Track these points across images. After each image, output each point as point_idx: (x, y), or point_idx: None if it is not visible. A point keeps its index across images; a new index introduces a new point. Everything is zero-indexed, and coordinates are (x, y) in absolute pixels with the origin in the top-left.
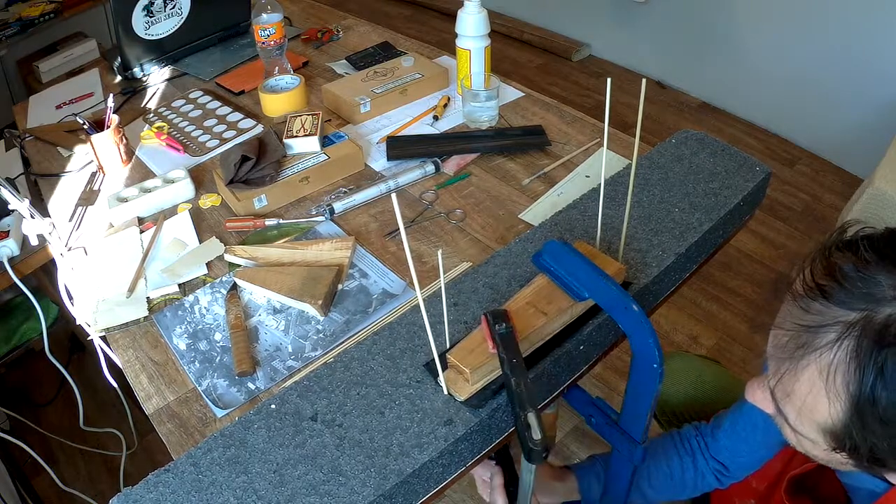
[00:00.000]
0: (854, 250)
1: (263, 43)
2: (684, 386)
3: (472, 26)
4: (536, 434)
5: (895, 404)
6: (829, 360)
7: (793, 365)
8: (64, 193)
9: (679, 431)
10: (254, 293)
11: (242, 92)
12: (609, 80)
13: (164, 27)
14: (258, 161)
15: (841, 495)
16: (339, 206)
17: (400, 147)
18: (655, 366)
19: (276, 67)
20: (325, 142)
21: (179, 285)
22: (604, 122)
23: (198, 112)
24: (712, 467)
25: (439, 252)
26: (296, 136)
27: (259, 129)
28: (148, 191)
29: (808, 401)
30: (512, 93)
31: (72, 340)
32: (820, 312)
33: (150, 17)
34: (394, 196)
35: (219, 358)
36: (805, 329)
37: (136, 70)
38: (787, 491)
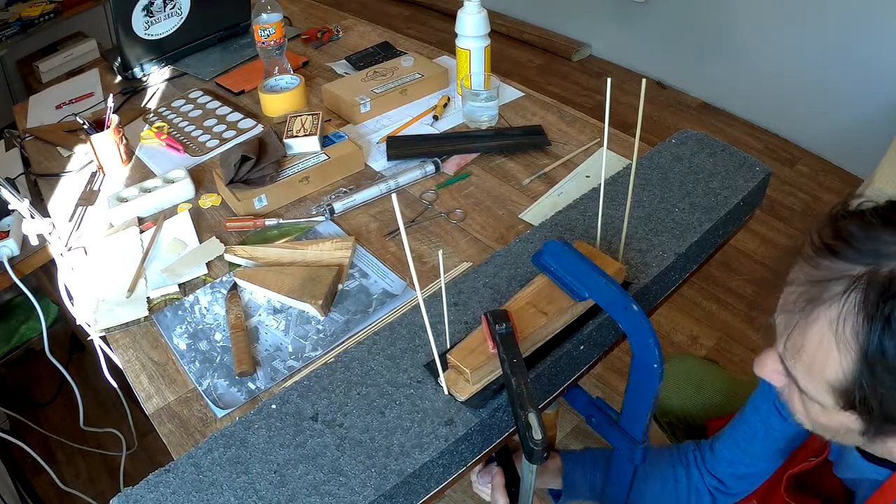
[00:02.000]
0: (860, 216)
1: (263, 43)
2: (684, 388)
3: (472, 26)
4: (537, 434)
5: None
6: (838, 312)
7: (803, 319)
8: (64, 193)
9: (678, 444)
10: (254, 293)
11: (242, 92)
12: (609, 80)
13: (164, 27)
14: (258, 161)
15: (841, 492)
16: (339, 206)
17: (400, 147)
18: (655, 366)
19: (276, 67)
20: (325, 142)
21: (179, 285)
22: (604, 122)
23: (198, 112)
24: (708, 483)
25: (440, 252)
26: (296, 136)
27: (259, 129)
28: (148, 191)
29: (818, 355)
30: (512, 93)
31: (72, 340)
32: (828, 268)
33: (150, 17)
34: (394, 196)
35: (219, 358)
36: (814, 283)
37: (136, 70)
38: (787, 489)
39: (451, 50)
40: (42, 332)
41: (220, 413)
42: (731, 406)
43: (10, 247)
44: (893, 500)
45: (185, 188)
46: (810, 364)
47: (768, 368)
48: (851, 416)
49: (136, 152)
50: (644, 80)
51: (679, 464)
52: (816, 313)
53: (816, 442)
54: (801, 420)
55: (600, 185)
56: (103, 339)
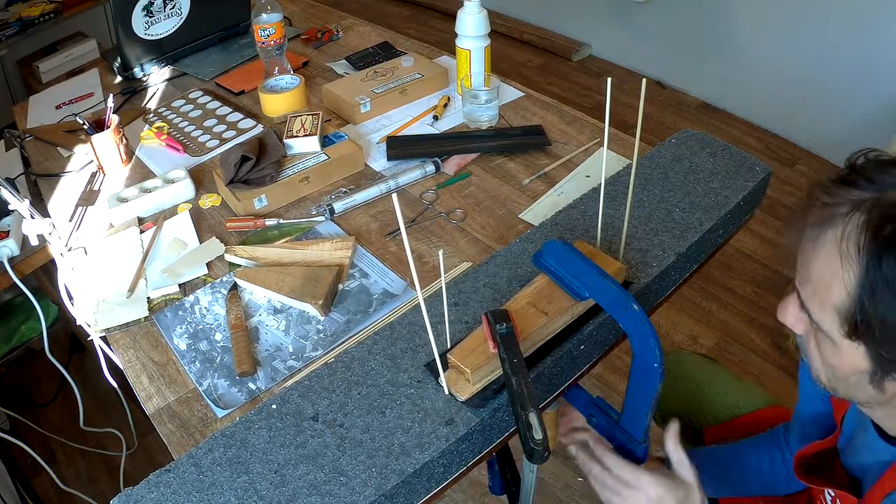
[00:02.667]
0: (876, 158)
1: (263, 43)
2: (681, 384)
3: (472, 26)
4: (538, 434)
5: None
6: (843, 229)
7: (813, 242)
8: (64, 193)
9: (772, 429)
10: (254, 293)
11: (242, 92)
12: (609, 79)
13: (164, 27)
14: (258, 161)
15: (845, 482)
16: (339, 206)
17: (400, 147)
18: (656, 365)
19: (276, 67)
20: (325, 142)
21: (180, 285)
22: (604, 122)
23: (198, 112)
24: (790, 462)
25: (440, 252)
26: (296, 136)
27: (259, 129)
28: (148, 191)
29: (824, 276)
30: (512, 93)
31: (72, 340)
32: (840, 195)
33: (150, 17)
34: (394, 196)
35: (219, 358)
36: (825, 206)
37: (136, 70)
38: (798, 469)
39: (451, 50)
40: (42, 332)
41: (220, 413)
42: (728, 400)
43: (10, 247)
44: None
45: (185, 188)
46: (817, 288)
47: (789, 312)
48: (858, 348)
49: (136, 152)
50: (644, 80)
51: (773, 445)
52: (825, 235)
53: (830, 419)
54: (818, 373)
55: (600, 184)
56: (103, 339)
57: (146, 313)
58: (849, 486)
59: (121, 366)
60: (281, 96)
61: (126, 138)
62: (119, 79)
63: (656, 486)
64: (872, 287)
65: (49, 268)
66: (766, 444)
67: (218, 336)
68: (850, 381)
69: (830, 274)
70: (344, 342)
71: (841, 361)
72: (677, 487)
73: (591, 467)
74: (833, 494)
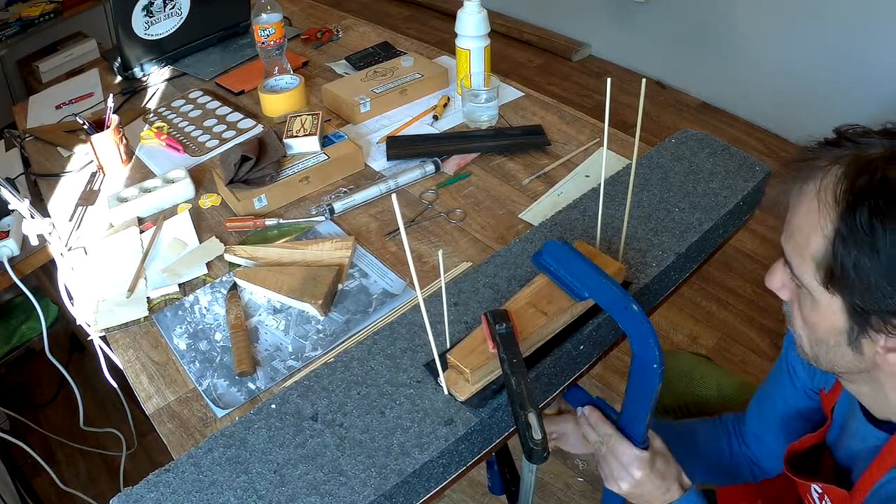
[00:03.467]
0: (862, 127)
1: (263, 43)
2: (675, 383)
3: (471, 26)
4: (537, 434)
5: (878, 213)
6: (822, 179)
7: (797, 196)
8: (64, 193)
9: (719, 416)
10: (254, 293)
11: (242, 92)
12: (609, 79)
13: (164, 27)
14: (258, 161)
15: (834, 477)
16: (339, 206)
17: (400, 147)
18: (655, 366)
19: (276, 67)
20: (325, 142)
21: (179, 285)
22: (604, 122)
23: (198, 112)
24: (745, 454)
25: (440, 252)
26: (296, 136)
27: (259, 129)
28: (148, 191)
29: (805, 226)
30: (512, 93)
31: (72, 340)
32: (822, 153)
33: (150, 17)
34: (394, 196)
35: (219, 358)
36: (809, 161)
37: (136, 70)
38: (788, 463)
39: (451, 50)
40: (42, 332)
41: (220, 413)
42: (722, 399)
43: (10, 247)
44: (894, 463)
45: (185, 188)
46: (798, 240)
47: (776, 277)
48: (835, 300)
49: (136, 152)
50: (644, 80)
51: (723, 434)
52: (807, 187)
53: (818, 414)
54: (800, 339)
55: (600, 184)
56: (103, 339)
57: (146, 313)
58: (837, 479)
59: (121, 366)
60: (281, 96)
61: (126, 138)
62: (119, 79)
63: (640, 467)
64: (846, 233)
65: (49, 268)
66: (713, 430)
67: (218, 336)
68: (830, 344)
69: (810, 224)
70: (343, 342)
71: (820, 318)
72: (654, 459)
73: (587, 433)
74: (820, 491)
